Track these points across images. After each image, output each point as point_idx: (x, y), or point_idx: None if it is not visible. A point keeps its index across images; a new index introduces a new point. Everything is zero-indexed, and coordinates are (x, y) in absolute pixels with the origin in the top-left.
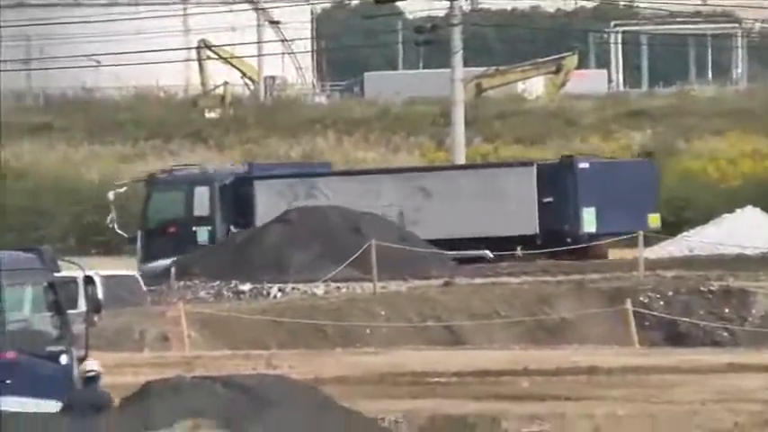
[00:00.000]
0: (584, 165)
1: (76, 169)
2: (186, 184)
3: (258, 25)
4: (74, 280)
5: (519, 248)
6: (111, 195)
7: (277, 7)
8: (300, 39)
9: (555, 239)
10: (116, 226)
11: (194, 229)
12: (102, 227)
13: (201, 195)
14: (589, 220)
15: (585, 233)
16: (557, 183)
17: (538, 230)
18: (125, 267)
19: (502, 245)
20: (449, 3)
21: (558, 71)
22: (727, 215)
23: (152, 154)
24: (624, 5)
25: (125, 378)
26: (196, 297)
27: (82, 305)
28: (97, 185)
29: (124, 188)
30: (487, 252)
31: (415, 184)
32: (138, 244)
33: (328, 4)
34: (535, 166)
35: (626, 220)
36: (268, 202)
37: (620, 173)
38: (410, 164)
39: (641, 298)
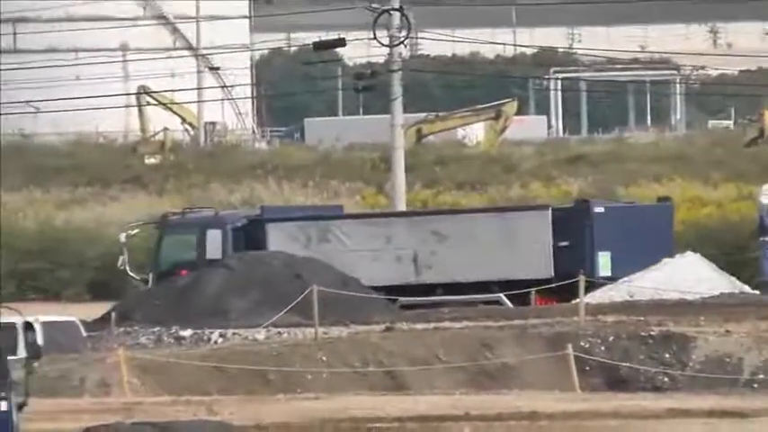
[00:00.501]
0: (599, 209)
1: (14, 215)
2: (198, 227)
3: (198, 71)
4: (13, 326)
5: (534, 292)
6: (122, 237)
7: (217, 53)
8: (240, 85)
9: (570, 283)
10: (128, 268)
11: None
12: (39, 272)
13: (214, 238)
14: (604, 264)
15: (600, 277)
16: (572, 227)
17: (553, 274)
18: (64, 313)
19: (516, 288)
20: (388, 49)
21: (497, 117)
22: (667, 260)
23: (91, 200)
24: (563, 52)
25: (64, 425)
26: (136, 343)
27: (21, 351)
28: (33, 232)
29: (136, 230)
30: (502, 296)
31: (428, 228)
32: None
33: (267, 51)
34: (550, 210)
35: (641, 263)
36: (280, 246)
37: (635, 217)
38: (352, 209)
39: (582, 343)
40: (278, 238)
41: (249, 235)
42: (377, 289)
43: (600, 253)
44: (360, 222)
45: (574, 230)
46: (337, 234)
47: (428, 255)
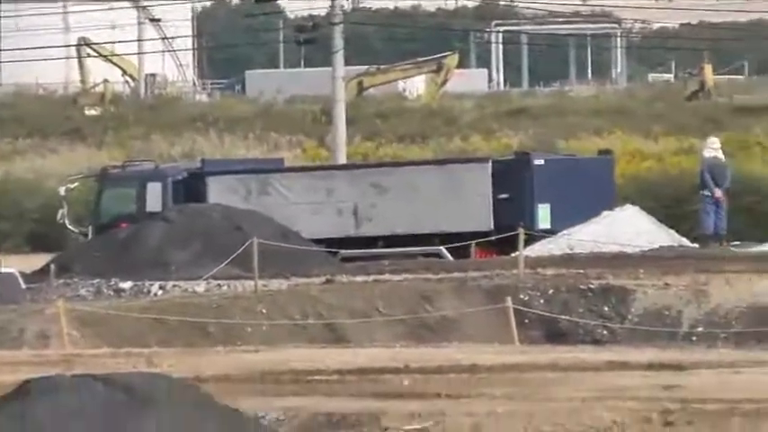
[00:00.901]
0: (539, 161)
1: None
2: (138, 180)
3: (139, 23)
4: None
5: (473, 245)
6: (62, 191)
7: (158, 5)
8: (181, 36)
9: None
10: (67, 222)
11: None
12: None
13: (154, 191)
14: (544, 217)
15: (540, 229)
16: (512, 179)
17: (492, 227)
18: (3, 265)
19: (456, 241)
20: (330, 2)
21: (438, 70)
22: (606, 213)
23: (31, 151)
24: (504, 5)
25: (3, 377)
26: (76, 294)
27: None
28: None
29: (76, 183)
30: (442, 249)
31: (369, 180)
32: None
33: (209, 3)
34: (490, 163)
35: (581, 215)
36: (221, 198)
37: (576, 169)
38: (293, 162)
39: (521, 296)
40: (218, 191)
41: (190, 188)
42: (317, 242)
43: (539, 205)
44: (300, 175)
45: (514, 183)
46: (277, 187)
47: (368, 207)
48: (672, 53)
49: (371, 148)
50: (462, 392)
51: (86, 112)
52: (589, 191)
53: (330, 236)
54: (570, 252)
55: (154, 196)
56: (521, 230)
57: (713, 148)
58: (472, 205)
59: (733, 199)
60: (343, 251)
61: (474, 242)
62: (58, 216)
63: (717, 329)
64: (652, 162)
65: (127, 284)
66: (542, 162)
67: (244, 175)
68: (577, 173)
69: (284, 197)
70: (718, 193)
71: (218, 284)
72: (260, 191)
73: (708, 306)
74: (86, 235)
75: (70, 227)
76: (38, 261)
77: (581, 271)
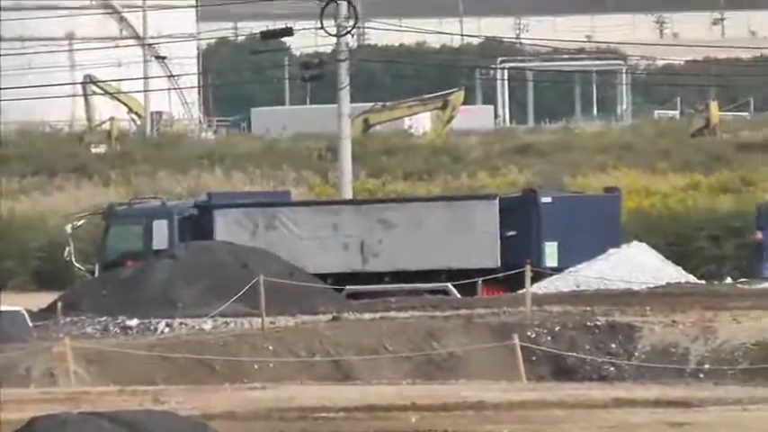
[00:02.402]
0: (546, 199)
1: None
2: (145, 217)
3: (144, 61)
4: None
5: (480, 282)
6: (68, 229)
7: (163, 43)
8: (187, 74)
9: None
10: (74, 259)
11: None
12: None
13: (160, 228)
14: (551, 254)
15: (547, 267)
16: (519, 216)
17: (499, 264)
18: (10, 303)
19: (463, 277)
20: (335, 39)
21: (444, 107)
22: (613, 250)
23: (37, 189)
24: (509, 42)
25: (10, 415)
26: (83, 332)
27: None
28: None
29: (82, 221)
30: (449, 285)
31: (376, 216)
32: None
33: (214, 40)
34: (498, 200)
35: (588, 253)
36: (227, 232)
37: (583, 207)
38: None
39: (529, 333)
40: (225, 225)
41: (197, 221)
42: (324, 277)
43: (547, 243)
44: (307, 210)
45: (521, 220)
46: (285, 221)
47: (375, 243)
48: (677, 90)
49: (377, 185)
50: (469, 430)
51: (92, 150)
52: (596, 228)
53: (336, 271)
54: (577, 289)
55: (160, 234)
56: (527, 267)
57: None
58: (479, 242)
59: (738, 237)
60: (349, 287)
61: (480, 279)
62: (65, 254)
63: (724, 366)
64: (657, 198)
65: (134, 322)
66: (550, 200)
67: (251, 209)
68: (585, 210)
69: (291, 231)
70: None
71: (225, 322)
72: (267, 225)
73: (715, 343)
74: (93, 273)
75: (77, 264)
76: (44, 299)
77: (588, 308)
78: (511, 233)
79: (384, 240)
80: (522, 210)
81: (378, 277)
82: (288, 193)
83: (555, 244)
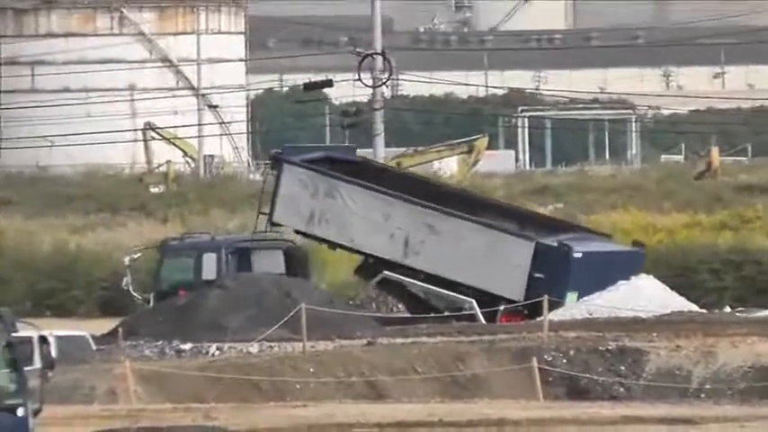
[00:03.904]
0: (578, 254)
1: (31, 239)
2: (196, 251)
3: (198, 109)
4: (29, 340)
5: (502, 306)
6: (126, 260)
7: (216, 93)
8: (237, 121)
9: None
10: (131, 288)
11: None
12: (54, 291)
13: (210, 261)
14: (571, 299)
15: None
16: (550, 263)
17: (523, 299)
18: (76, 328)
19: (488, 299)
20: (371, 89)
21: (470, 152)
22: (623, 282)
23: (101, 225)
24: (530, 93)
25: (76, 429)
26: (141, 355)
27: (37, 362)
28: (49, 255)
29: (139, 254)
30: (473, 302)
31: (426, 219)
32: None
33: (261, 90)
34: (534, 244)
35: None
36: (290, 190)
37: (610, 262)
38: None
39: (546, 356)
40: (290, 180)
41: (242, 256)
42: (366, 255)
43: (569, 292)
44: (367, 192)
45: (551, 267)
46: (344, 194)
47: (418, 242)
48: (682, 136)
49: None
50: None
51: (151, 190)
52: (616, 280)
53: (379, 254)
54: (590, 317)
55: (209, 266)
56: (545, 297)
57: None
58: (509, 274)
59: (737, 270)
60: (386, 272)
61: (502, 308)
62: (123, 283)
63: (723, 387)
64: (663, 235)
65: (187, 346)
66: (581, 255)
67: (317, 174)
68: (611, 266)
69: (347, 206)
70: None
71: (270, 346)
72: (327, 193)
73: (715, 366)
74: (149, 301)
75: (134, 293)
76: (106, 325)
77: (600, 334)
78: (539, 275)
79: (427, 242)
80: (554, 259)
81: (414, 273)
82: (354, 148)
83: (576, 293)
